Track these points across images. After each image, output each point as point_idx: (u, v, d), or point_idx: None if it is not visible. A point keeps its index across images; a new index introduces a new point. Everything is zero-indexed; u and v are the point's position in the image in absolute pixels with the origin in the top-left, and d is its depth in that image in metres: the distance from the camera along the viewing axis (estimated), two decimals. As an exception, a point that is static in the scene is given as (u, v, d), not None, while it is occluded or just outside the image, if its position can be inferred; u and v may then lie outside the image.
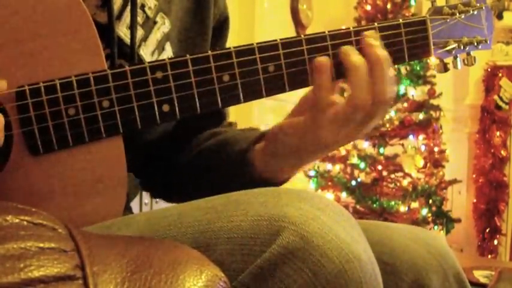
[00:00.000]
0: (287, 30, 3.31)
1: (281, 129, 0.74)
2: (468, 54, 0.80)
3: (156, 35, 0.78)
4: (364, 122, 0.70)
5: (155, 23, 0.78)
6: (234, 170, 0.77)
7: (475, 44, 0.80)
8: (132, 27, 0.73)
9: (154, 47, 0.78)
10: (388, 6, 3.12)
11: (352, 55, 0.70)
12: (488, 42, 0.81)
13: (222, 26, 0.89)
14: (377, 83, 0.69)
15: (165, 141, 0.84)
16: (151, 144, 0.82)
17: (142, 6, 0.76)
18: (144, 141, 0.79)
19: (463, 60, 0.81)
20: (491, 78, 3.52)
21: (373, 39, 0.71)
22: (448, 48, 0.78)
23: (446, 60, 0.81)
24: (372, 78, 0.69)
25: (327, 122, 0.69)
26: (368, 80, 0.69)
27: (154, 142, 0.82)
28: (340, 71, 0.71)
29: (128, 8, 0.74)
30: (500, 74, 3.49)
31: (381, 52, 0.70)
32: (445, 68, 0.81)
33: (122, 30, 0.74)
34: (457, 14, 0.78)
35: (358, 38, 0.72)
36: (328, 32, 0.72)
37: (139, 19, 0.75)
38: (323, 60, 0.70)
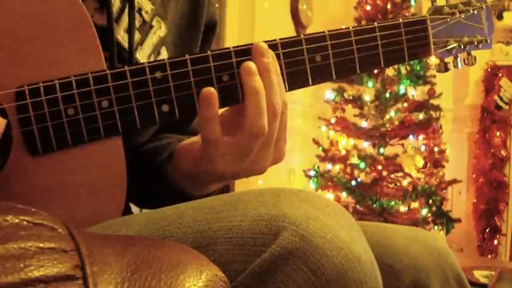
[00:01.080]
0: (287, 30, 3.31)
1: (179, 152, 0.75)
2: (469, 53, 0.80)
3: (152, 39, 0.78)
4: (265, 148, 0.67)
5: (151, 27, 0.78)
6: (154, 179, 0.78)
7: (476, 43, 0.80)
8: (131, 31, 0.74)
9: (150, 51, 0.78)
10: (388, 6, 3.12)
11: (253, 77, 0.65)
12: (488, 41, 0.81)
13: (208, 31, 0.89)
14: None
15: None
16: (141, 146, 0.82)
17: (139, 10, 0.76)
18: (135, 144, 0.79)
19: (464, 60, 0.81)
20: (491, 78, 3.51)
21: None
22: (448, 47, 0.78)
23: (447, 59, 0.81)
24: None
25: (219, 156, 0.66)
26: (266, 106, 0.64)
27: (143, 144, 0.82)
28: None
29: (126, 12, 0.74)
30: (500, 74, 3.49)
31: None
32: (445, 68, 0.81)
33: (120, 34, 0.74)
34: (458, 13, 0.78)
35: (358, 37, 0.72)
36: (328, 31, 0.72)
37: (136, 23, 0.75)
38: (209, 91, 0.64)
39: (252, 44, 0.68)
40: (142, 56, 0.77)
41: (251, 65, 0.66)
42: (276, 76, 0.66)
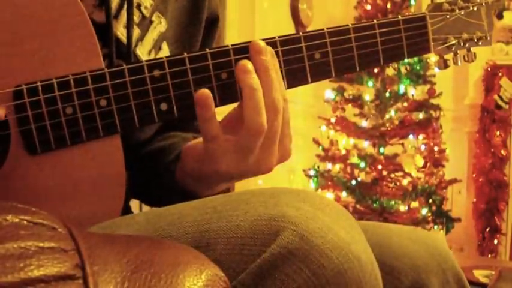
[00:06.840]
0: (287, 30, 3.31)
1: (186, 152, 0.75)
2: (468, 50, 0.80)
3: (153, 35, 0.78)
4: (269, 146, 0.66)
5: (151, 22, 0.78)
6: (162, 179, 0.77)
7: (475, 40, 0.80)
8: (129, 27, 0.73)
9: (151, 47, 0.78)
10: (388, 5, 3.12)
11: (249, 74, 0.65)
12: (488, 38, 0.81)
13: (210, 25, 0.88)
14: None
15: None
16: (144, 144, 0.82)
17: (139, 6, 0.76)
18: (137, 140, 0.79)
19: (463, 57, 0.81)
20: (491, 78, 3.52)
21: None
22: (447, 44, 0.78)
23: (446, 56, 0.81)
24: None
25: (220, 154, 0.66)
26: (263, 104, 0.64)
27: (147, 142, 0.82)
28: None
29: (125, 8, 0.74)
30: (500, 74, 3.49)
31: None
32: (445, 65, 0.81)
33: (119, 30, 0.74)
34: (457, 10, 0.78)
35: (357, 34, 0.72)
36: (327, 29, 0.72)
37: (136, 18, 0.75)
38: (204, 93, 0.64)
39: (248, 41, 0.68)
40: (142, 51, 0.77)
41: (246, 63, 0.66)
42: (275, 73, 0.66)
